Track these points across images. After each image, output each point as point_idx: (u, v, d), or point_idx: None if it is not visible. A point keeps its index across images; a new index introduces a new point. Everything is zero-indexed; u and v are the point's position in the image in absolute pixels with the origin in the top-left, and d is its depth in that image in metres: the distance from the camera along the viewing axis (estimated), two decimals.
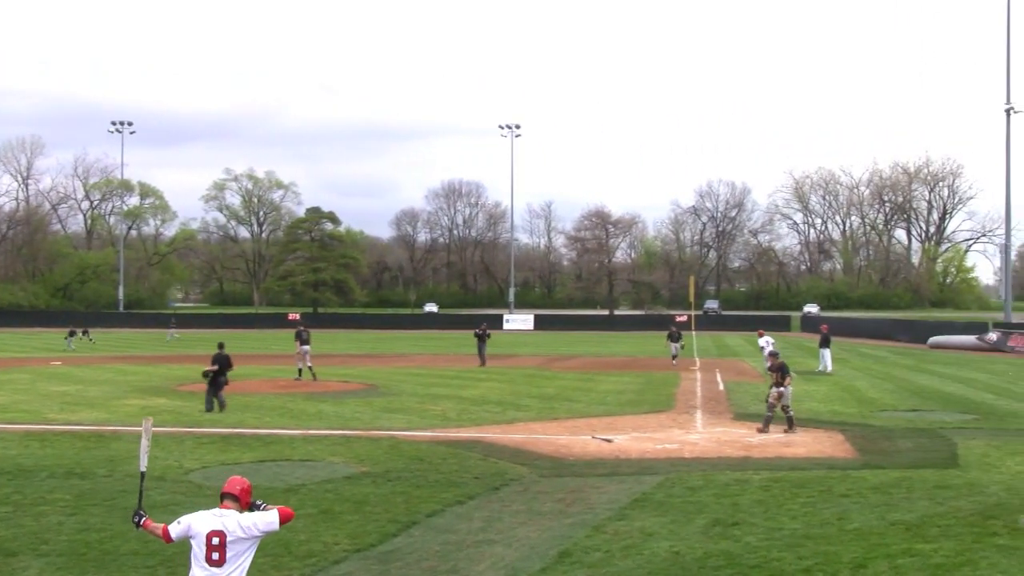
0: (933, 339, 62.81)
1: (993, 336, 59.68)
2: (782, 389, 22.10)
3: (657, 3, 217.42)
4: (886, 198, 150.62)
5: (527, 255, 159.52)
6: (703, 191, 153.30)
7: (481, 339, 44.44)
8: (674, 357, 44.55)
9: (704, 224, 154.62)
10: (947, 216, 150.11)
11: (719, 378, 36.53)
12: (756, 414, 24.23)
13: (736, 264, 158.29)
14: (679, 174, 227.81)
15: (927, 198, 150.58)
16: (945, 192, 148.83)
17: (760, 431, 21.78)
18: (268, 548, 10.73)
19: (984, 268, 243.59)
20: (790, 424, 21.88)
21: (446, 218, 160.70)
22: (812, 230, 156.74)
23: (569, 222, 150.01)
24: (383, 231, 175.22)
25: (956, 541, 11.77)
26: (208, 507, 7.63)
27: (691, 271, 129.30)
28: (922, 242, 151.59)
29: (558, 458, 18.55)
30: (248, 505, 7.57)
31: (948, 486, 15.33)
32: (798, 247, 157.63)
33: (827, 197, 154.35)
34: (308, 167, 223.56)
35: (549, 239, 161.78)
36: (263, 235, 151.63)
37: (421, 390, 31.73)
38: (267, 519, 7.44)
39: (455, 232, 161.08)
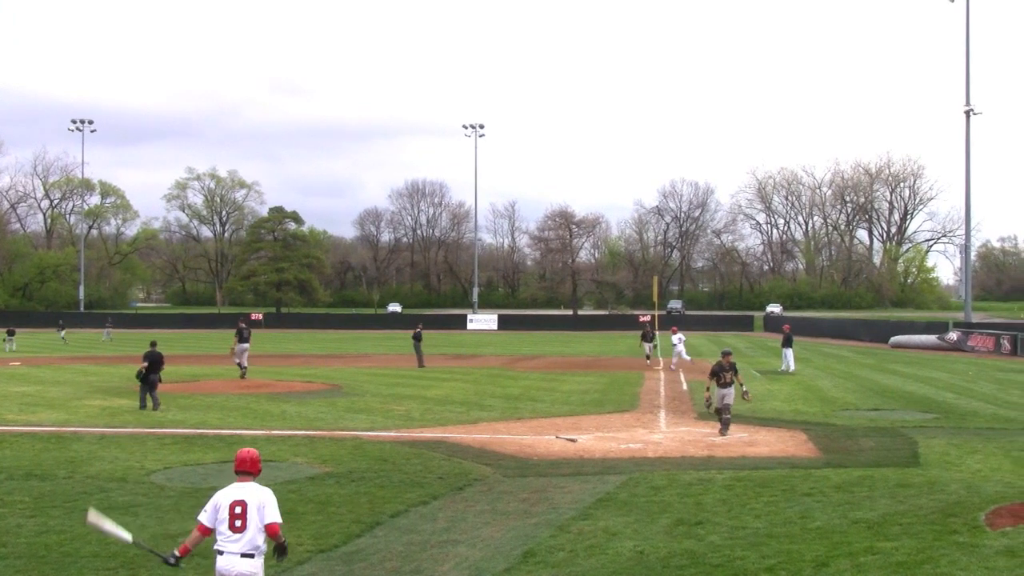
0: (894, 339, 63.47)
1: (953, 336, 60.35)
2: (730, 390, 21.92)
3: (621, 4, 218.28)
4: (848, 199, 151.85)
5: (491, 255, 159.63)
6: (667, 191, 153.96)
7: (417, 339, 43.79)
8: (648, 357, 44.73)
9: (668, 224, 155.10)
10: (908, 217, 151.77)
11: (683, 378, 36.65)
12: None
13: (700, 264, 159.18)
14: (643, 174, 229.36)
15: (888, 199, 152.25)
16: (906, 193, 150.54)
17: (721, 434, 21.55)
18: None
19: (945, 268, 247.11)
20: (725, 426, 21.65)
21: (410, 218, 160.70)
22: (775, 230, 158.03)
23: (533, 222, 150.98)
24: (346, 231, 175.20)
25: (917, 539, 11.84)
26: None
27: (655, 271, 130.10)
28: (884, 242, 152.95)
29: (522, 458, 18.54)
30: (259, 471, 8.35)
31: (909, 484, 15.45)
32: (761, 247, 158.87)
33: (790, 197, 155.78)
34: (271, 166, 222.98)
35: (513, 239, 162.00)
36: (226, 235, 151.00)
37: (385, 390, 31.63)
38: (272, 514, 8.05)
39: (419, 232, 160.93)
